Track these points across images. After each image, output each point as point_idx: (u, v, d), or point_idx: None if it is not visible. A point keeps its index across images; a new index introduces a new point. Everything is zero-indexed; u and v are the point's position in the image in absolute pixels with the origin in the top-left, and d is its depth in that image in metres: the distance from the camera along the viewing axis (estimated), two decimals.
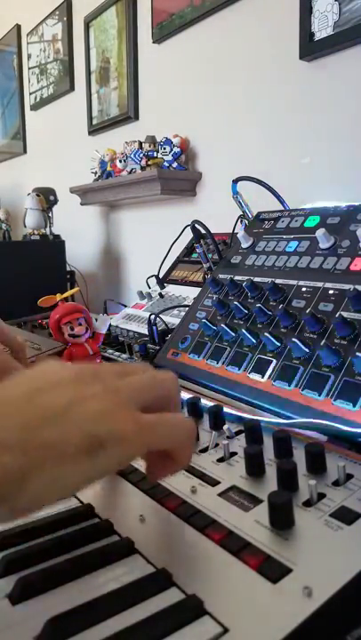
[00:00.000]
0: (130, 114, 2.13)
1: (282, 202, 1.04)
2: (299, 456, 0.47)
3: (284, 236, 0.80)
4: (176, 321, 0.97)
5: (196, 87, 1.79)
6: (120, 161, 1.94)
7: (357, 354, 0.53)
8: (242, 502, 0.42)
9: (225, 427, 0.54)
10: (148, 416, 0.34)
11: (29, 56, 3.11)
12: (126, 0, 2.08)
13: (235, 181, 1.02)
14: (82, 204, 2.33)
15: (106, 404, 0.33)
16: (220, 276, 0.84)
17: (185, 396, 0.63)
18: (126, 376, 0.37)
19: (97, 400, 0.33)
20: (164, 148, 1.76)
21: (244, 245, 0.85)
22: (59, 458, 0.30)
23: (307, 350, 0.60)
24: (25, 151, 3.29)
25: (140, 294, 1.32)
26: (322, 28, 1.28)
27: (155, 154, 1.80)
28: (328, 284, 0.66)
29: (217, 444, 0.52)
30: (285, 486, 0.42)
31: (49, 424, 0.31)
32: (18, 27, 3.25)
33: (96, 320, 0.79)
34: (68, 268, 2.28)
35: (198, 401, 0.60)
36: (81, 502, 0.47)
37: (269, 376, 0.62)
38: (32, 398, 0.32)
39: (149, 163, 1.80)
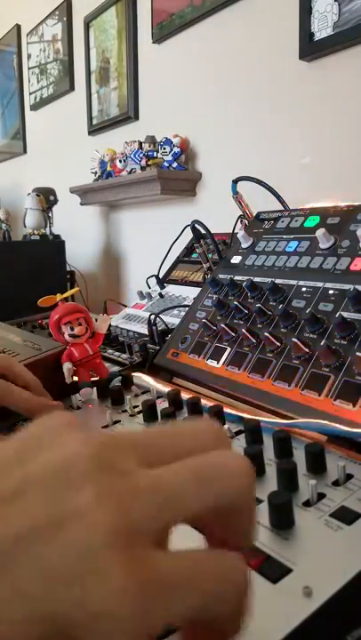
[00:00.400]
0: (130, 114, 2.13)
1: (282, 202, 1.04)
2: (299, 456, 0.46)
3: (284, 236, 0.80)
4: (176, 321, 0.97)
5: (196, 87, 1.79)
6: (120, 161, 1.94)
7: (358, 354, 0.53)
8: None
9: (225, 427, 0.54)
10: (165, 563, 0.18)
11: (29, 56, 3.11)
12: (126, 0, 2.08)
13: (235, 181, 1.02)
14: (82, 204, 2.33)
15: (87, 536, 0.17)
16: (220, 276, 0.84)
17: (185, 395, 0.63)
18: (154, 460, 0.20)
19: (78, 523, 0.17)
20: (164, 148, 1.77)
21: (244, 245, 0.85)
22: None
23: (307, 350, 0.60)
24: (25, 151, 3.29)
25: (140, 294, 1.32)
26: (322, 28, 1.28)
27: (155, 154, 1.80)
28: (328, 284, 0.66)
29: None
30: (285, 486, 0.42)
31: None
32: (18, 27, 3.25)
33: (96, 320, 0.78)
34: (68, 268, 2.28)
35: (198, 401, 0.60)
36: None
37: (269, 376, 0.62)
38: None
39: (149, 163, 1.81)
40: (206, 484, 0.20)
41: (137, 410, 0.64)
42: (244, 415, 0.57)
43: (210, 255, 1.04)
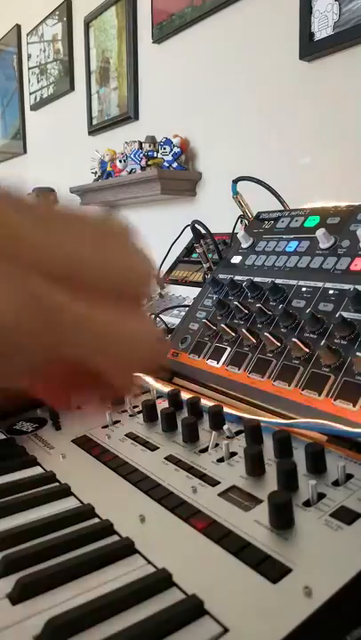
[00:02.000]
0: (130, 114, 2.13)
1: (282, 202, 1.04)
2: (299, 456, 0.47)
3: (284, 236, 0.80)
4: (176, 321, 0.97)
5: (196, 87, 1.79)
6: (120, 161, 1.94)
7: (357, 354, 0.53)
8: (242, 502, 0.42)
9: (225, 427, 0.54)
10: (66, 301, 0.19)
11: (29, 56, 3.11)
12: (126, 0, 2.08)
13: (235, 181, 1.02)
14: (82, 204, 2.33)
15: None
16: (220, 275, 0.84)
17: (185, 395, 0.63)
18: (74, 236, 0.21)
19: None
20: (164, 148, 1.77)
21: (244, 245, 0.85)
22: None
23: (307, 350, 0.60)
24: (25, 151, 3.29)
25: None
26: (322, 28, 1.28)
27: (155, 154, 1.80)
28: (328, 284, 0.66)
29: (217, 444, 0.52)
30: (285, 486, 0.42)
31: None
32: (18, 27, 3.25)
33: None
34: None
35: (198, 401, 0.60)
36: (81, 502, 0.47)
37: (269, 376, 0.62)
38: None
39: (149, 163, 1.81)
40: (106, 269, 0.21)
41: (137, 410, 0.64)
42: (244, 415, 0.57)
43: (210, 255, 1.04)
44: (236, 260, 0.84)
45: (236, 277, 0.80)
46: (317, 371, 0.58)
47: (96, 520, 0.44)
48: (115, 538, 0.41)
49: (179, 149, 1.75)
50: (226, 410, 0.57)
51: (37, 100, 3.02)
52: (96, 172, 2.15)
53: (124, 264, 0.22)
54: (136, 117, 2.13)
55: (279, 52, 1.44)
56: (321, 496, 0.41)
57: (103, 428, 0.62)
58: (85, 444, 0.58)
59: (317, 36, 1.29)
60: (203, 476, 0.47)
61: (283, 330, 0.66)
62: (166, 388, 0.67)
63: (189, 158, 1.82)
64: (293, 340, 0.60)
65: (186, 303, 1.12)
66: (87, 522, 0.43)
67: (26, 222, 0.19)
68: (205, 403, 0.60)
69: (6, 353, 0.17)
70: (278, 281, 0.72)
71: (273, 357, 0.64)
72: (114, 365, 0.21)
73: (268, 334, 0.64)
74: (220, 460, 0.49)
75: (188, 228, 1.06)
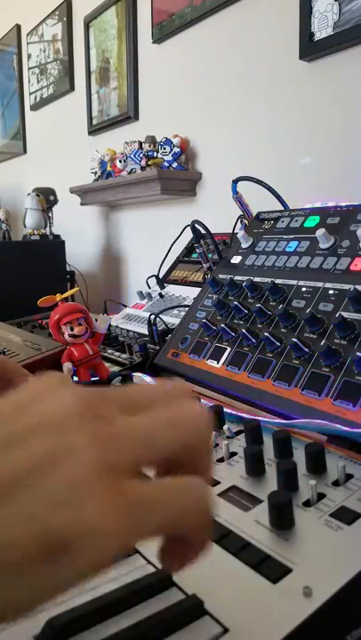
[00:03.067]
0: (130, 114, 2.13)
1: (282, 202, 1.04)
2: (299, 456, 0.47)
3: (284, 236, 0.80)
4: (176, 321, 0.97)
5: (196, 87, 1.79)
6: (120, 161, 1.94)
7: (357, 354, 0.53)
8: (242, 502, 0.42)
9: (225, 427, 0.54)
10: (140, 488, 0.22)
11: (29, 56, 3.11)
12: (126, 0, 2.08)
13: (235, 181, 1.02)
14: (82, 204, 2.33)
15: (79, 469, 0.21)
16: (220, 276, 0.84)
17: None
18: (132, 410, 0.24)
19: (71, 460, 0.21)
20: (164, 148, 1.76)
21: (244, 245, 0.85)
22: None
23: (307, 350, 0.60)
24: (25, 151, 3.29)
25: (140, 294, 1.32)
26: (322, 28, 1.28)
27: (155, 154, 1.80)
28: (328, 284, 0.66)
29: (217, 444, 0.52)
30: (285, 486, 0.42)
31: None
32: (18, 27, 3.25)
33: (96, 320, 0.78)
34: (68, 268, 2.28)
35: (198, 401, 0.60)
36: None
37: (269, 376, 0.62)
38: None
39: (149, 163, 1.80)
40: (174, 428, 0.24)
41: None
42: (244, 415, 0.57)
43: (210, 255, 1.04)
44: (236, 260, 0.84)
45: (236, 277, 0.80)
46: (317, 371, 0.58)
47: None
48: None
49: (179, 149, 1.75)
50: (226, 410, 0.58)
51: (37, 99, 3.02)
52: (96, 172, 2.15)
53: (179, 428, 0.24)
54: (136, 117, 2.12)
55: (279, 51, 1.44)
56: (321, 496, 0.41)
57: None
58: None
59: (317, 36, 1.29)
60: None
61: (283, 330, 0.66)
62: None
63: (189, 158, 1.82)
64: (293, 339, 0.60)
65: (186, 303, 1.12)
66: None
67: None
68: (205, 403, 0.60)
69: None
70: (278, 281, 0.72)
71: (273, 357, 0.64)
72: (191, 528, 0.24)
73: (268, 334, 0.64)
74: (220, 460, 0.49)
75: (188, 228, 1.06)
